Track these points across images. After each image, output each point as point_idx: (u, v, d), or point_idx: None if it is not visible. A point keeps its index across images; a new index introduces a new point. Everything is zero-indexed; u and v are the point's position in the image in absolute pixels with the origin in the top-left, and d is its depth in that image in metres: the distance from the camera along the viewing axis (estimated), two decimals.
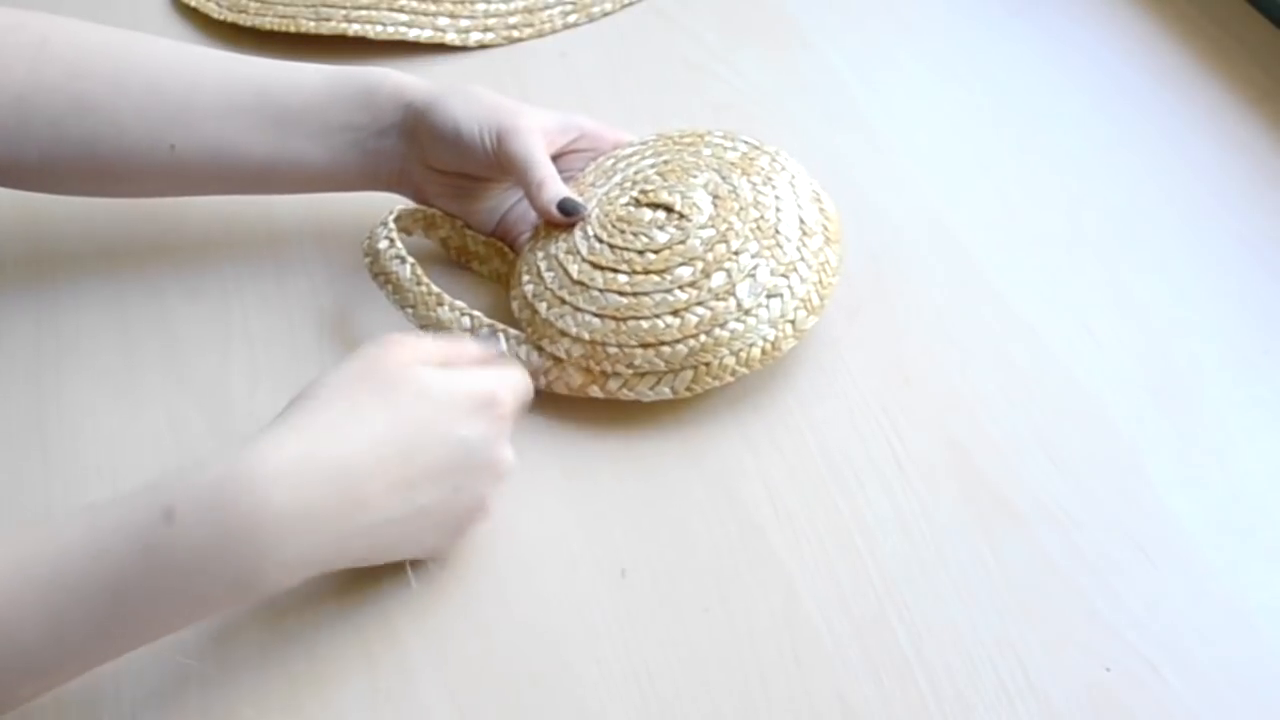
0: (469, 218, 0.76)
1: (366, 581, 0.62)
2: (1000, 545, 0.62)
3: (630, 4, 0.95)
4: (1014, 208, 0.79)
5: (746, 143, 0.74)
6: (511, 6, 0.93)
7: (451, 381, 0.59)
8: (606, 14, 0.94)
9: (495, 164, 0.71)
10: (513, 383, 0.62)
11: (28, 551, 0.51)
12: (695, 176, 0.71)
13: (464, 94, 0.72)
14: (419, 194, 0.75)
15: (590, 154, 0.76)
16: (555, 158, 0.73)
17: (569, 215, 0.70)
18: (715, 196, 0.70)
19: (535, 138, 0.71)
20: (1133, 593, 0.60)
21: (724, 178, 0.71)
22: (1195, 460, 0.66)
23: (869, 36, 0.91)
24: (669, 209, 0.69)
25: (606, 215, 0.70)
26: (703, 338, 0.66)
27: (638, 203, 0.70)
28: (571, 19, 0.94)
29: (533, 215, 0.73)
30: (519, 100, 0.73)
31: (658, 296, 0.67)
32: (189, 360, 0.73)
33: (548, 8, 0.94)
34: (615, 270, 0.68)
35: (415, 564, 0.62)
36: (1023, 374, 0.70)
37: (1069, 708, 0.57)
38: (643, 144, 0.75)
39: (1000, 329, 0.72)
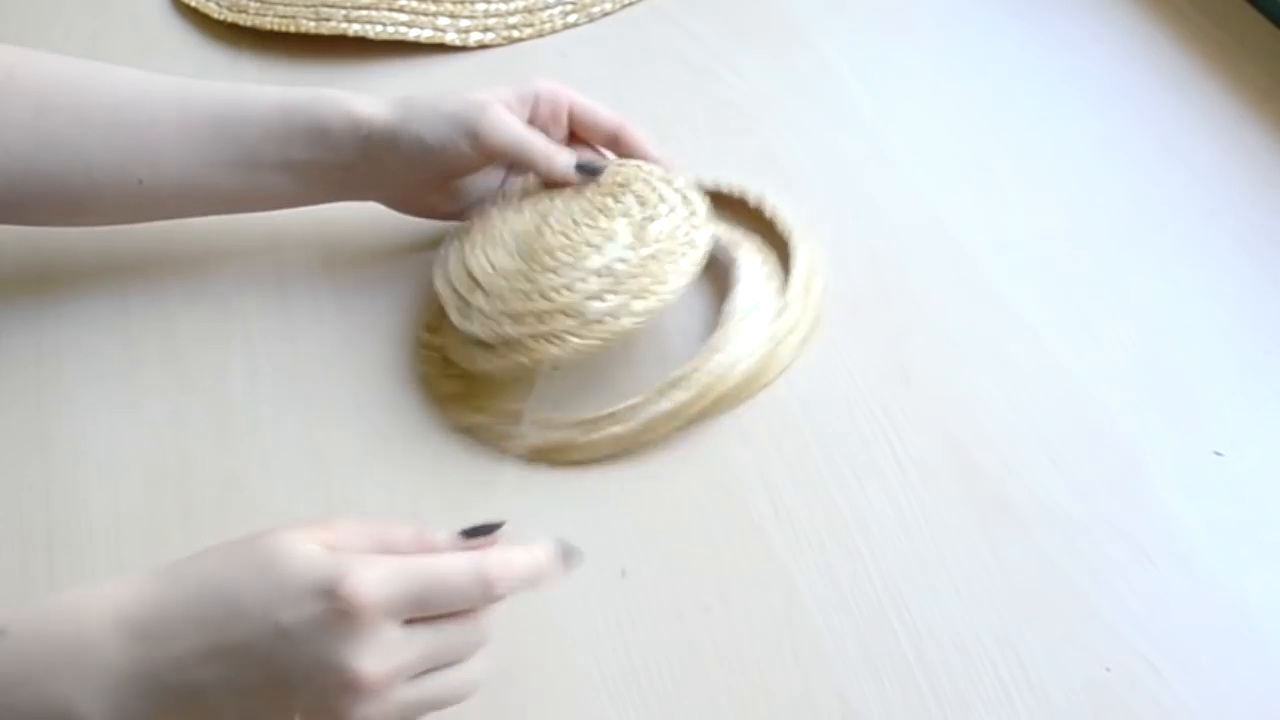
0: (461, 215, 0.74)
1: None
2: (1000, 545, 0.62)
3: (630, 4, 0.95)
4: (1014, 208, 0.79)
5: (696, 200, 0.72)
6: (511, 6, 0.93)
7: (297, 558, 0.49)
8: (606, 14, 0.94)
9: (480, 160, 0.71)
10: (387, 579, 0.49)
11: None
12: (658, 208, 0.70)
13: (421, 111, 0.70)
14: (403, 203, 0.74)
15: (552, 111, 0.73)
16: None
17: (590, 175, 0.71)
18: (637, 238, 0.68)
19: (509, 118, 0.70)
20: (1133, 593, 0.60)
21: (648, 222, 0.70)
22: (1195, 460, 0.66)
23: (869, 36, 0.91)
24: (641, 200, 0.69)
25: (592, 191, 0.71)
26: (544, 302, 0.66)
27: (615, 198, 0.70)
28: (571, 19, 0.94)
29: None
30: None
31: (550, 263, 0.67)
32: (190, 361, 0.73)
33: (548, 8, 0.94)
34: (540, 231, 0.69)
35: None
36: (1023, 374, 0.70)
37: (1069, 707, 0.57)
38: (678, 181, 0.74)
39: (1000, 329, 0.72)
